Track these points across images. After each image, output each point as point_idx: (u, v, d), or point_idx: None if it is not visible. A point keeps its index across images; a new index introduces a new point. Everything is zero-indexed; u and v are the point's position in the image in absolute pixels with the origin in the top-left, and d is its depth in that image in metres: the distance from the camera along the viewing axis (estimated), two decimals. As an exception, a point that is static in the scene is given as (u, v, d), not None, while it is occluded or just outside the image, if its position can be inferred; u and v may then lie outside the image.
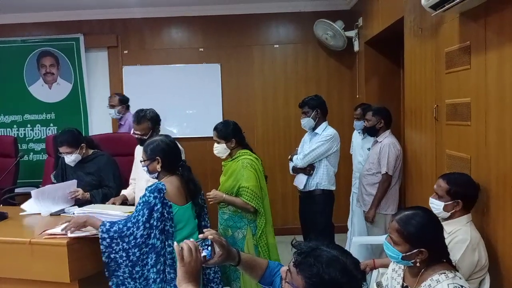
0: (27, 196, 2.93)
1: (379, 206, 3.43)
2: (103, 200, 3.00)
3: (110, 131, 5.16)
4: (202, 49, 5.32)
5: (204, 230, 1.48)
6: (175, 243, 1.44)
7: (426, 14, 2.70)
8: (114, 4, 4.99)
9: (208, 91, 5.29)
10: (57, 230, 2.32)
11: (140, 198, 2.26)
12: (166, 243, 2.26)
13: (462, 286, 1.62)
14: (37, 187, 3.40)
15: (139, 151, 3.14)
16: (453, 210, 2.11)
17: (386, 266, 2.18)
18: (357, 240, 3.44)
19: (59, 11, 5.09)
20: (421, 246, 1.68)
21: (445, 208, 2.11)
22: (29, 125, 5.34)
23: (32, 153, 5.34)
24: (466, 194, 2.11)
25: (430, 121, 2.87)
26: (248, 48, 5.32)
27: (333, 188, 3.55)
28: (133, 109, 3.43)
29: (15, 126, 5.33)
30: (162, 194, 2.23)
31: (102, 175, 3.11)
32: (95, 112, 5.31)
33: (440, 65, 2.68)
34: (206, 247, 1.44)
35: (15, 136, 5.04)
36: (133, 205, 2.89)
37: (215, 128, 2.94)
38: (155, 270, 2.22)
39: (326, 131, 3.50)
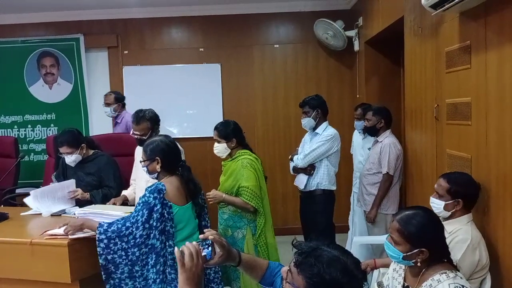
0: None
1: (380, 206, 3.43)
2: (103, 200, 3.00)
3: (110, 131, 5.13)
4: (202, 49, 5.32)
5: (205, 230, 1.48)
6: (175, 248, 1.38)
7: (426, 13, 2.70)
8: (114, 4, 4.99)
9: (208, 91, 5.29)
10: (58, 230, 2.32)
11: (139, 198, 2.26)
12: (167, 243, 2.25)
13: (463, 286, 1.62)
14: (38, 187, 3.39)
15: (139, 151, 3.13)
16: (454, 210, 2.11)
17: (387, 266, 2.17)
18: (357, 240, 3.44)
19: (59, 11, 5.09)
20: (422, 246, 1.67)
21: (446, 208, 2.11)
22: (29, 126, 5.34)
23: (33, 154, 5.34)
24: (466, 194, 2.11)
25: (431, 120, 2.87)
26: (248, 48, 5.32)
27: (334, 188, 3.55)
28: (133, 109, 3.42)
29: (15, 126, 5.33)
30: (162, 195, 2.23)
31: (103, 176, 3.11)
32: (96, 112, 5.29)
33: (440, 64, 2.68)
34: (206, 247, 1.43)
35: (16, 136, 5.03)
36: (133, 205, 2.88)
37: (216, 128, 2.95)
38: (154, 270, 2.21)
39: (326, 131, 3.50)
